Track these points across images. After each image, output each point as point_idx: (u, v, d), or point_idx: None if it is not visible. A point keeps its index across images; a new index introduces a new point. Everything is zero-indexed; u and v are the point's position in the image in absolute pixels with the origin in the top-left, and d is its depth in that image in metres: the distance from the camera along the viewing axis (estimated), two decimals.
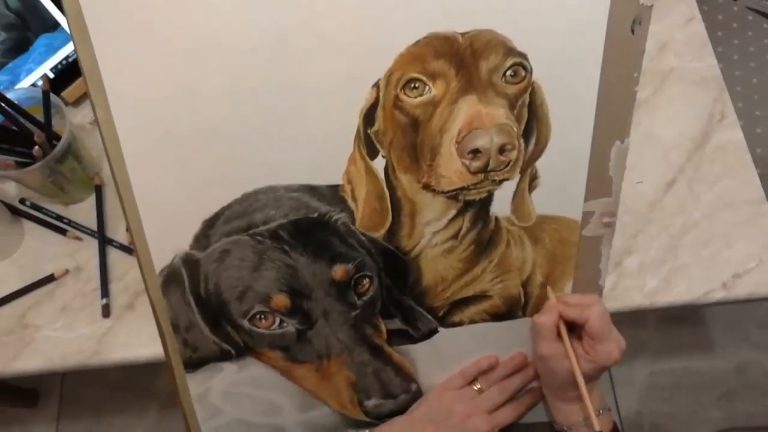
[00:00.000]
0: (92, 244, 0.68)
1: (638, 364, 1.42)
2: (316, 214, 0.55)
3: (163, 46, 0.48)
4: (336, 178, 0.54)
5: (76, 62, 0.71)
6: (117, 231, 0.69)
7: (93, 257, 0.68)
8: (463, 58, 0.50)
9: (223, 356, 0.58)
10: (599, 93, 0.53)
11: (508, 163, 0.54)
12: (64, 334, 0.65)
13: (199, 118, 0.50)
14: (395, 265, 0.57)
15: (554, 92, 0.52)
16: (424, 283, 0.58)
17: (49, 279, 0.66)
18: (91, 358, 0.64)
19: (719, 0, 1.05)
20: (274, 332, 0.57)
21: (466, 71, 0.50)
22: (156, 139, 0.50)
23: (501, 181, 0.55)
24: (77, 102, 0.74)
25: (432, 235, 0.57)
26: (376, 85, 0.51)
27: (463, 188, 0.54)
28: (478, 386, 0.61)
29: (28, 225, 0.70)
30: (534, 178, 0.56)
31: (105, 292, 0.66)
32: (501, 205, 0.56)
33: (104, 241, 0.67)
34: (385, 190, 0.54)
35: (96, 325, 0.65)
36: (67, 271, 0.67)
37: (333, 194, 0.54)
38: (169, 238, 0.54)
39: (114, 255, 0.68)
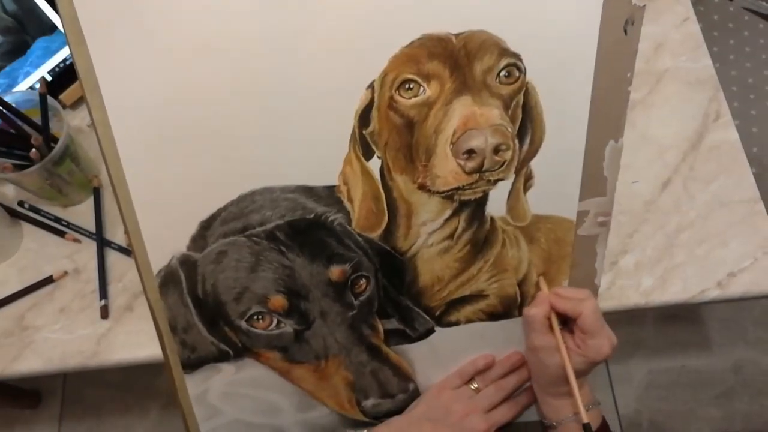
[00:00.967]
0: (91, 246, 0.69)
1: (636, 362, 1.42)
2: (312, 215, 0.55)
3: (158, 49, 0.48)
4: (332, 179, 0.54)
5: (73, 65, 0.71)
6: (115, 233, 0.69)
7: (92, 259, 0.68)
8: (458, 59, 0.50)
9: (221, 357, 0.58)
10: (593, 93, 0.53)
11: (503, 163, 0.54)
12: (63, 336, 0.65)
13: (195, 119, 0.50)
14: (392, 266, 0.58)
15: (548, 92, 0.53)
16: (421, 283, 0.59)
17: (48, 281, 0.67)
18: (91, 359, 0.64)
19: (715, 0, 1.05)
20: (272, 333, 0.57)
21: (461, 72, 0.51)
22: (152, 140, 0.51)
23: (496, 181, 0.55)
24: (75, 105, 0.74)
25: (428, 236, 0.57)
26: (371, 87, 0.51)
27: (458, 188, 0.55)
28: (475, 385, 0.61)
29: (27, 227, 0.70)
30: (529, 178, 0.56)
31: (104, 293, 0.66)
32: (496, 205, 0.56)
33: (102, 243, 0.68)
34: (381, 190, 0.55)
35: (95, 327, 0.65)
36: (65, 273, 0.67)
37: (329, 195, 0.55)
38: (166, 239, 0.54)
39: (113, 257, 0.68)
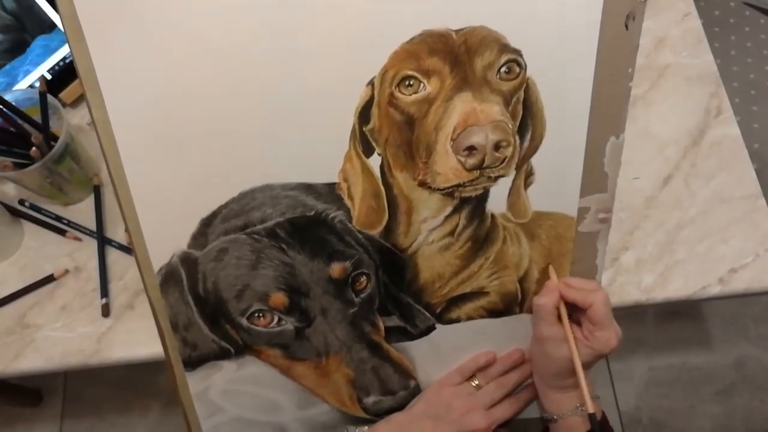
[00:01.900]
0: (91, 245, 0.69)
1: (637, 359, 1.42)
2: (312, 213, 0.55)
3: (157, 47, 0.48)
4: (332, 176, 0.54)
5: (73, 63, 0.71)
6: (116, 231, 0.69)
7: (92, 257, 0.68)
8: (458, 55, 0.50)
9: (222, 354, 0.58)
10: (593, 89, 0.53)
11: (504, 159, 0.54)
12: (65, 334, 0.65)
13: (195, 117, 0.50)
14: (392, 263, 0.58)
15: (549, 88, 0.52)
16: (422, 280, 0.58)
17: (49, 279, 0.67)
18: (92, 357, 0.64)
19: None
20: (273, 330, 0.57)
21: (461, 68, 0.51)
22: (153, 138, 0.50)
23: (497, 178, 0.55)
24: (75, 103, 0.74)
25: (428, 233, 0.57)
26: (371, 83, 0.51)
27: (458, 185, 0.54)
28: (476, 382, 0.61)
29: (28, 225, 0.70)
30: (529, 174, 0.56)
31: (104, 291, 0.66)
32: (497, 202, 0.56)
33: (103, 241, 0.68)
34: (381, 187, 0.55)
35: (96, 325, 0.65)
36: (66, 271, 0.67)
37: (329, 192, 0.55)
38: (167, 237, 0.54)
39: (113, 255, 0.68)
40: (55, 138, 0.64)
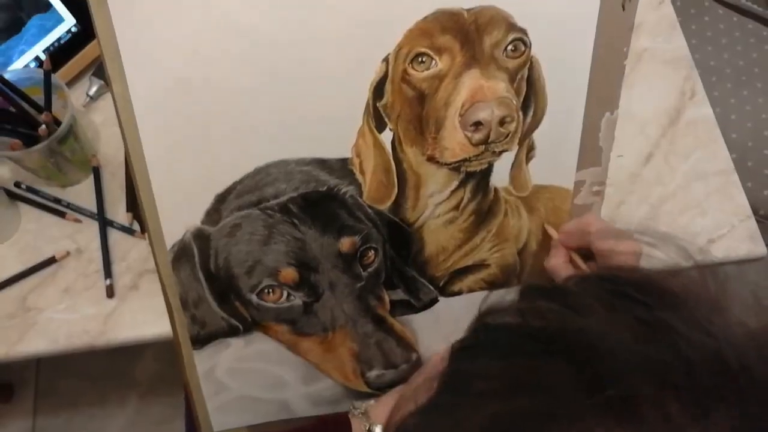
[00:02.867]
0: (91, 226, 0.68)
1: None
2: (325, 188, 0.56)
3: (183, 18, 0.48)
4: (345, 151, 0.55)
5: (69, 43, 0.71)
6: (116, 212, 0.69)
7: (93, 239, 0.68)
8: (468, 33, 0.52)
9: (231, 332, 0.58)
10: (591, 66, 0.56)
11: (508, 134, 0.56)
12: (68, 316, 0.65)
13: (215, 93, 0.51)
14: (399, 237, 0.59)
15: (550, 66, 0.55)
16: (427, 254, 0.60)
17: (51, 261, 0.66)
18: (98, 338, 0.64)
19: None
20: (282, 306, 0.57)
21: (470, 46, 0.53)
22: (172, 114, 0.51)
23: (500, 153, 0.57)
24: (71, 83, 0.73)
25: (435, 207, 0.59)
26: (386, 60, 0.52)
27: (465, 160, 0.57)
28: None
29: (24, 208, 0.69)
30: (531, 149, 0.59)
31: (108, 272, 0.66)
32: (500, 176, 0.59)
33: (105, 223, 0.67)
34: (392, 162, 0.56)
35: (101, 306, 0.65)
36: (68, 253, 0.67)
37: (342, 167, 0.56)
38: (180, 213, 0.54)
39: (115, 236, 0.68)
40: (55, 118, 0.64)
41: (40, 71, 0.62)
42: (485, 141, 0.56)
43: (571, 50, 0.55)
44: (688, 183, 0.75)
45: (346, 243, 0.57)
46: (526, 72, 0.55)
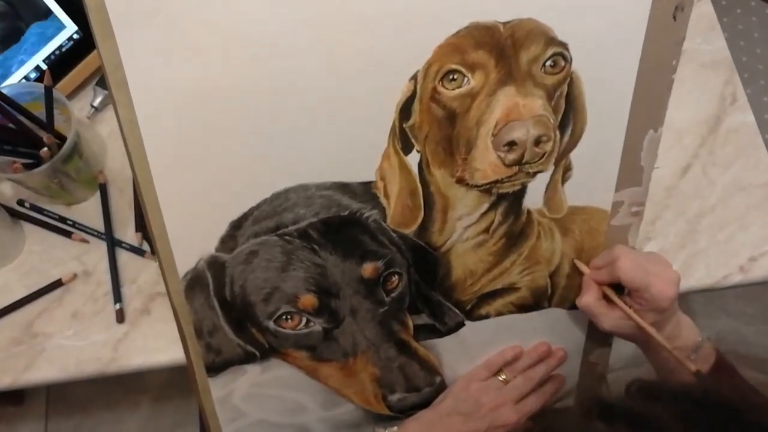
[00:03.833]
0: (99, 247, 0.65)
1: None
2: (347, 212, 0.53)
3: (188, 43, 0.45)
4: (369, 174, 0.52)
5: (69, 52, 0.67)
6: (125, 232, 0.65)
7: (101, 260, 0.64)
8: (504, 49, 0.48)
9: (247, 359, 0.56)
10: (636, 81, 0.52)
11: (543, 154, 0.52)
12: (78, 342, 0.62)
13: (228, 115, 0.47)
14: (425, 261, 0.56)
15: (592, 82, 0.51)
16: (453, 278, 0.57)
17: (57, 284, 0.63)
18: (109, 365, 0.61)
19: None
20: (300, 332, 0.55)
21: (506, 62, 0.49)
22: (182, 138, 0.48)
23: (535, 173, 0.54)
24: (72, 95, 0.69)
25: (463, 230, 0.55)
26: (414, 78, 0.49)
27: (496, 181, 0.53)
28: (503, 377, 0.61)
29: (28, 228, 0.66)
30: (567, 169, 0.55)
31: (117, 296, 0.63)
32: (533, 197, 0.55)
33: (113, 243, 0.64)
34: (419, 185, 0.53)
35: (111, 331, 0.62)
36: (75, 276, 0.64)
37: (365, 191, 0.53)
38: (193, 241, 0.52)
39: (124, 257, 0.65)
40: (58, 134, 0.60)
41: (41, 85, 0.58)
42: (519, 162, 0.52)
43: (616, 64, 0.51)
44: (729, 196, 0.70)
45: (368, 268, 0.55)
46: (565, 89, 0.51)
